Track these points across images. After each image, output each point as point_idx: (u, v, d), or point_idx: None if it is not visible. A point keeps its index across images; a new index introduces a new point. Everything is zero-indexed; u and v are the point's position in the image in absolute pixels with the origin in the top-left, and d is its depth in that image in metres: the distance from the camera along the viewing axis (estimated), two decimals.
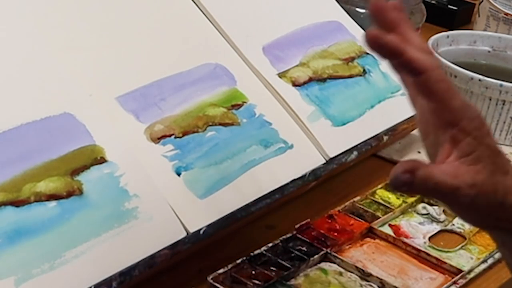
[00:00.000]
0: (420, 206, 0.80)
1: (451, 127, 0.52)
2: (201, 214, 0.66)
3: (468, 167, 0.52)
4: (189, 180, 0.67)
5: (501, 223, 0.55)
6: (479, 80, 0.93)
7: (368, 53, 0.90)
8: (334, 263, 0.71)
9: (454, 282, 0.70)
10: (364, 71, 0.88)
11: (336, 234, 0.74)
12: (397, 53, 0.50)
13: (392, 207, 0.79)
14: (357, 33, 0.91)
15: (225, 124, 0.73)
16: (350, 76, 0.86)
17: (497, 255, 0.75)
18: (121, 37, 0.74)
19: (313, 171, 0.75)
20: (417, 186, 0.51)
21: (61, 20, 0.71)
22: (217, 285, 0.65)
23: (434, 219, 0.79)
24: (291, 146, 0.75)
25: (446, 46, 1.04)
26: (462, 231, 0.77)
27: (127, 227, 0.62)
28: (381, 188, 0.82)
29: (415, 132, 0.92)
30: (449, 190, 0.51)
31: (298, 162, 0.75)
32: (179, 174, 0.67)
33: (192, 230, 0.65)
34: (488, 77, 0.93)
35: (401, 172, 0.51)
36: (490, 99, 0.93)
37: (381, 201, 0.80)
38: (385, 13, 0.52)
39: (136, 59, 0.73)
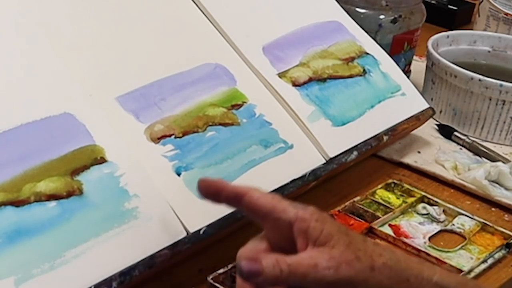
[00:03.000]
0: (420, 206, 0.80)
1: (293, 223, 0.53)
2: (201, 214, 0.66)
3: (322, 247, 0.53)
4: (189, 180, 0.67)
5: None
6: (479, 80, 0.93)
7: (368, 53, 0.90)
8: None
9: None
10: (364, 71, 0.88)
11: None
12: (218, 189, 0.56)
13: (392, 207, 0.79)
14: (357, 33, 0.91)
15: (225, 124, 0.73)
16: (350, 76, 0.86)
17: (497, 255, 0.75)
18: (121, 37, 0.74)
19: (313, 171, 0.75)
20: (270, 272, 0.52)
21: (61, 21, 0.72)
22: (217, 285, 0.65)
23: (434, 219, 0.79)
24: (291, 146, 0.75)
25: (446, 46, 1.04)
26: (462, 231, 0.77)
27: (127, 227, 0.62)
28: (381, 188, 0.82)
29: (415, 132, 0.92)
30: (306, 269, 0.52)
31: (298, 162, 0.75)
32: (179, 174, 0.67)
33: (192, 230, 0.65)
34: (488, 77, 0.93)
35: (246, 261, 0.52)
36: (490, 99, 0.93)
37: (381, 201, 0.80)
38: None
39: (136, 59, 0.73)
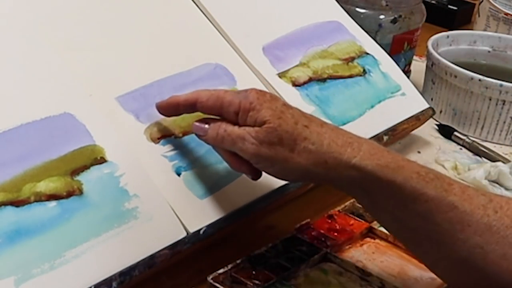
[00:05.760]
0: None
1: (237, 113, 0.62)
2: (201, 214, 0.66)
3: (257, 127, 0.61)
4: (189, 180, 0.67)
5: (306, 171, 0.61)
6: (479, 80, 0.93)
7: (368, 53, 0.90)
8: (334, 263, 0.71)
9: None
10: (364, 71, 0.88)
11: (336, 234, 0.74)
12: (175, 105, 0.67)
13: None
14: (357, 33, 0.91)
15: None
16: (350, 76, 0.86)
17: None
18: (121, 37, 0.74)
19: None
20: (211, 133, 0.63)
21: (61, 20, 0.72)
22: (217, 285, 0.65)
23: None
24: None
25: (446, 46, 1.04)
26: None
27: (127, 227, 0.62)
28: None
29: (415, 132, 0.92)
30: (235, 139, 0.61)
31: None
32: (179, 174, 0.67)
33: (192, 230, 0.65)
34: (488, 77, 0.93)
35: (198, 121, 0.65)
36: (490, 99, 0.93)
37: None
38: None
39: (136, 59, 0.73)
